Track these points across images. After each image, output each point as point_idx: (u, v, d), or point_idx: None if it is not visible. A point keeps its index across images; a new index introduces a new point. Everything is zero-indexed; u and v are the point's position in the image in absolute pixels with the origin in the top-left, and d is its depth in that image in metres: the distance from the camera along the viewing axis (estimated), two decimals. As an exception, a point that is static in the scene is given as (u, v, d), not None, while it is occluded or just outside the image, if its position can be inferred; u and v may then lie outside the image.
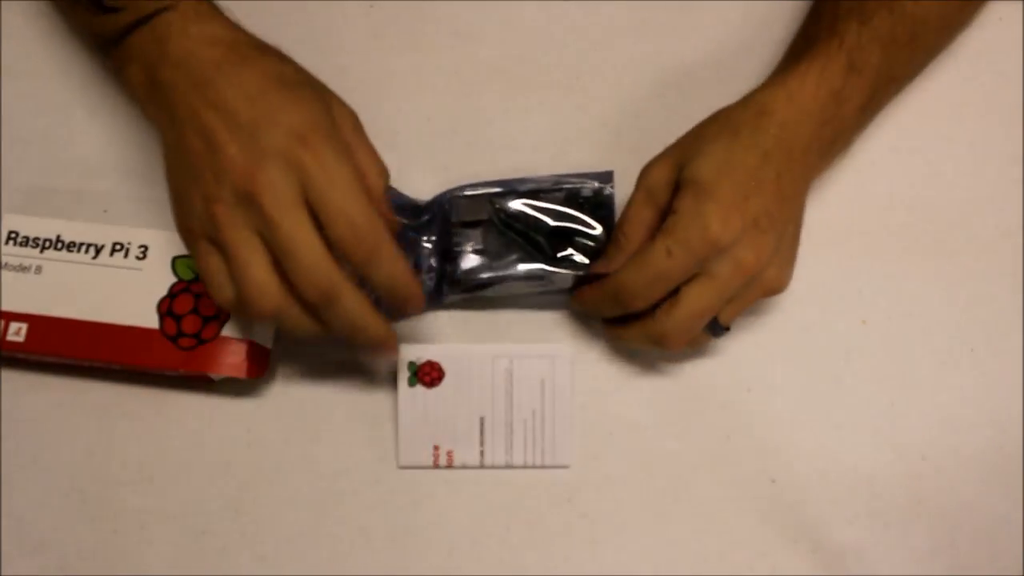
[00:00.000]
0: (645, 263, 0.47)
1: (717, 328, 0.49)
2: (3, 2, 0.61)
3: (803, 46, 0.51)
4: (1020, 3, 0.59)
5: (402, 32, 0.59)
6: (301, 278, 0.42)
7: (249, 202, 0.42)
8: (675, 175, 0.48)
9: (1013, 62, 0.58)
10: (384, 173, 0.47)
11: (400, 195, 0.53)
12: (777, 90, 0.48)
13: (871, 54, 0.49)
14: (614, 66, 0.59)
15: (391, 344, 0.46)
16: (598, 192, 0.52)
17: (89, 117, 0.58)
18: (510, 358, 0.52)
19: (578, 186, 0.52)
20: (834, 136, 0.50)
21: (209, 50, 0.45)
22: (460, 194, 0.53)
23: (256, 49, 0.46)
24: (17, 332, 0.50)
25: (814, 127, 0.48)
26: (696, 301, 0.47)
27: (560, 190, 0.53)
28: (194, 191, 0.43)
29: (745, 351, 0.53)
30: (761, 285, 0.48)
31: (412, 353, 0.52)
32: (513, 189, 0.52)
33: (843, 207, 0.56)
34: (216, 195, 0.42)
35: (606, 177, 0.54)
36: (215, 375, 0.51)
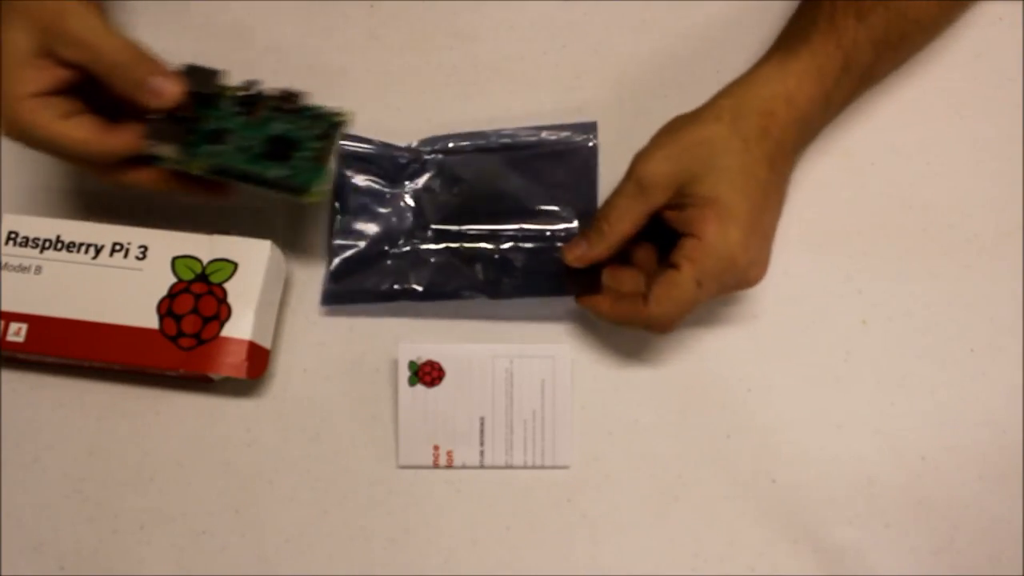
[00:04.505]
0: (678, 296, 0.47)
1: None
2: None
3: (800, 35, 0.50)
4: (1020, 3, 0.59)
5: (402, 32, 0.59)
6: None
7: None
8: (678, 179, 0.47)
9: (1013, 62, 0.58)
10: None
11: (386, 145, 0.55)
12: (777, 88, 0.48)
13: (864, 54, 0.50)
14: (614, 66, 0.59)
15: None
16: (580, 146, 0.54)
17: (89, 117, 0.58)
18: (510, 358, 0.52)
19: (558, 140, 0.53)
20: (814, 134, 0.51)
21: None
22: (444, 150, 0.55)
23: None
24: (17, 332, 0.50)
25: (804, 127, 0.49)
26: (699, 303, 0.48)
27: (539, 144, 0.54)
28: None
29: (745, 351, 0.53)
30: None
31: (412, 353, 0.52)
32: (490, 143, 0.53)
33: (843, 207, 0.56)
34: None
35: (589, 128, 0.55)
36: (215, 375, 0.51)
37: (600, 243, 0.49)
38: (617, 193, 0.49)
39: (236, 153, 0.48)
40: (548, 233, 0.54)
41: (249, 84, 0.49)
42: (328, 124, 0.49)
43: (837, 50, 0.49)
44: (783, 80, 0.48)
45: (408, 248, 0.54)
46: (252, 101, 0.49)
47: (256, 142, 0.48)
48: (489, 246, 0.54)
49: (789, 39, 0.51)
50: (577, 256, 0.50)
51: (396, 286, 0.53)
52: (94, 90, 0.48)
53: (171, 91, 0.47)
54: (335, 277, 0.54)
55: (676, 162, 0.47)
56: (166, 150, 0.48)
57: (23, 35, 0.46)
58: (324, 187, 0.47)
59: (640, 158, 0.48)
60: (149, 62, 0.47)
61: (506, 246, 0.54)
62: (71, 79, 0.47)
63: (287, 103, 0.49)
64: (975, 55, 0.58)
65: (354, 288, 0.53)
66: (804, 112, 0.49)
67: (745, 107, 0.48)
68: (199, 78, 0.48)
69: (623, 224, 0.49)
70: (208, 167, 0.48)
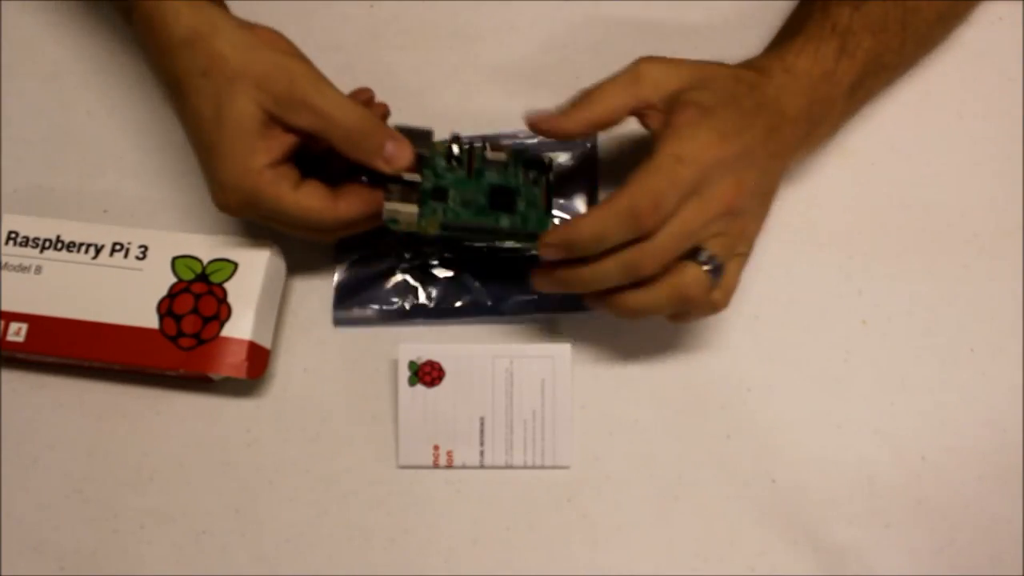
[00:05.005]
0: (657, 169, 0.44)
1: (716, 268, 0.47)
2: (3, 2, 0.61)
3: (796, 26, 0.51)
4: (1020, 3, 0.59)
5: (402, 32, 0.60)
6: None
7: None
8: (671, 86, 0.46)
9: (1013, 62, 0.58)
10: None
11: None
12: (774, 60, 0.49)
13: (862, 39, 0.50)
14: (614, 66, 0.58)
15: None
16: (579, 148, 0.55)
17: (89, 117, 0.58)
18: (510, 358, 0.52)
19: (557, 142, 0.54)
20: (822, 116, 0.50)
21: None
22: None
23: None
24: (17, 332, 0.50)
25: (806, 102, 0.49)
26: (685, 220, 0.45)
27: (539, 146, 0.54)
28: None
29: (745, 351, 0.53)
30: (739, 225, 0.47)
31: (412, 353, 0.52)
32: (497, 145, 0.53)
33: (843, 207, 0.56)
34: None
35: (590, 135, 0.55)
36: (215, 375, 0.51)
37: (575, 113, 0.47)
38: (609, 79, 0.48)
39: (463, 208, 0.49)
40: None
41: (455, 139, 0.50)
42: (539, 169, 0.50)
43: (832, 34, 0.49)
44: (780, 55, 0.49)
45: (414, 262, 0.54)
46: (460, 156, 0.50)
47: (478, 195, 0.49)
48: (494, 258, 0.54)
49: (783, 33, 0.52)
50: (543, 119, 0.47)
51: (406, 305, 0.54)
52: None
53: (405, 157, 0.47)
54: (342, 294, 0.54)
55: (676, 73, 0.47)
56: (402, 213, 0.48)
57: (250, 103, 0.45)
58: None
59: (644, 58, 0.48)
60: (382, 128, 0.47)
61: (508, 255, 0.54)
62: (296, 145, 0.47)
63: (494, 152, 0.50)
64: (975, 55, 0.58)
65: (365, 308, 0.54)
66: (804, 83, 0.49)
67: (740, 66, 0.49)
68: (417, 139, 0.49)
69: (605, 102, 0.47)
70: (442, 225, 0.48)
